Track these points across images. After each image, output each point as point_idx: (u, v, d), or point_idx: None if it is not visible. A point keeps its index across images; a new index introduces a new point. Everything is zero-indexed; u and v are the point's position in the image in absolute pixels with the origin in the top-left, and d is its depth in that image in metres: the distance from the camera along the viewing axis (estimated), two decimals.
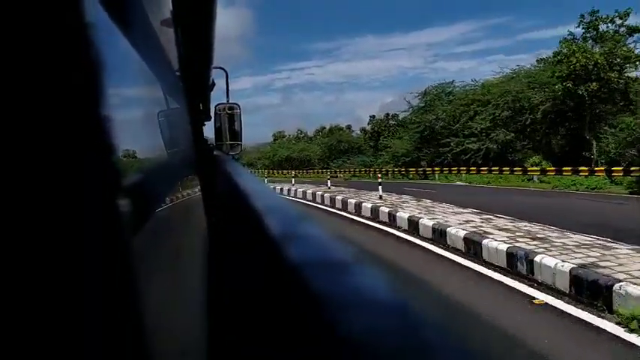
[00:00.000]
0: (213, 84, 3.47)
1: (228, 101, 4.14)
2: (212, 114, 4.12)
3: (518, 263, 6.24)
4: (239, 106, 4.17)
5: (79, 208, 0.29)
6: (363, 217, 12.98)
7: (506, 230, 8.16)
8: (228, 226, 0.95)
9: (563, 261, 5.58)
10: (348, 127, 70.81)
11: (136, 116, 0.68)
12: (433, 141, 41.74)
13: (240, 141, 4.20)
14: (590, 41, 30.67)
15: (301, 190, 22.47)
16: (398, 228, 10.59)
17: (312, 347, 0.23)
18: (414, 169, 39.39)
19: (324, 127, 73.64)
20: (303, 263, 0.26)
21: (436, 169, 36.96)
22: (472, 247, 7.49)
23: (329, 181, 22.76)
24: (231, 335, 0.76)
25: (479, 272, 6.52)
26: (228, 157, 3.08)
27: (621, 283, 4.60)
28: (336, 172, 46.35)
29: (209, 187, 2.44)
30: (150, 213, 0.59)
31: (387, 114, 60.06)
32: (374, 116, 63.77)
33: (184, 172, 1.45)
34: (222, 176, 1.43)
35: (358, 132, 65.77)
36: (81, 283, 0.28)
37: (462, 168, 33.84)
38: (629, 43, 29.49)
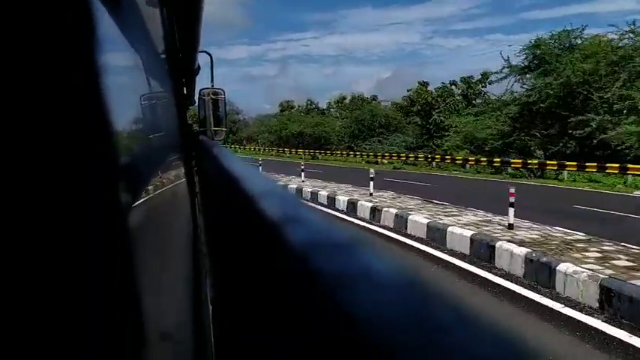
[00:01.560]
0: (199, 68, 3.43)
1: (212, 86, 4.10)
2: (196, 99, 4.08)
3: None
4: (224, 91, 4.13)
5: (64, 193, 0.27)
6: None
7: None
8: (218, 212, 0.94)
9: None
10: (374, 97, 57.85)
11: (117, 99, 0.66)
12: (547, 119, 26.86)
13: (225, 127, 4.17)
14: None
15: (325, 193, 13.97)
16: None
17: (317, 328, 0.23)
18: (518, 161, 24.34)
19: (344, 97, 61.14)
20: (301, 245, 0.25)
21: (550, 162, 22.72)
22: None
23: (370, 181, 13.43)
24: (232, 321, 0.76)
25: None
26: (213, 141, 3.05)
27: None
28: (376, 156, 36.77)
29: (193, 172, 2.42)
30: (133, 199, 0.58)
31: (452, 81, 43.09)
32: (426, 83, 47.75)
33: (168, 157, 1.42)
34: (208, 161, 1.42)
35: (386, 104, 52.29)
36: (65, 262, 0.27)
37: (608, 164, 20.12)
38: None
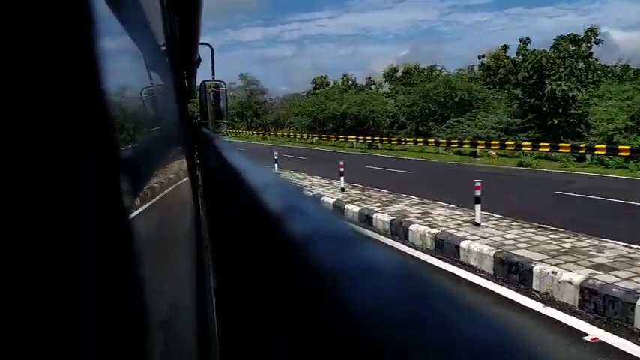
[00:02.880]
0: (200, 60, 3.42)
1: (213, 78, 4.09)
2: (197, 91, 4.07)
3: None
4: (225, 83, 4.13)
5: (65, 186, 0.28)
6: None
7: None
8: (220, 205, 0.94)
9: None
10: (432, 68, 44.90)
11: (118, 92, 0.66)
12: None
13: (226, 119, 4.17)
14: None
15: None
16: None
17: (318, 321, 0.23)
18: None
19: (395, 69, 48.72)
20: (303, 238, 0.25)
21: None
22: None
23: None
24: (235, 313, 0.76)
25: None
26: (214, 134, 3.05)
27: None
28: (462, 144, 27.13)
29: (195, 165, 2.42)
30: (135, 192, 0.58)
31: (560, 38, 28.88)
32: (506, 47, 37.93)
33: (169, 150, 1.43)
34: (210, 153, 1.42)
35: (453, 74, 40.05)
36: (67, 256, 0.27)
37: None
38: None
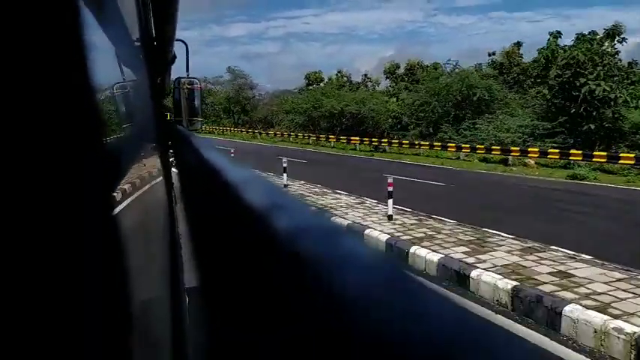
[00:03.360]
0: (174, 57, 3.38)
1: (188, 75, 4.06)
2: (171, 88, 4.03)
3: None
4: (199, 80, 4.10)
5: (36, 185, 0.27)
6: None
7: None
8: (195, 202, 0.93)
9: None
10: (435, 66, 39.97)
11: (90, 88, 0.65)
12: None
13: (200, 117, 4.15)
14: None
15: None
16: None
17: (301, 319, 0.23)
18: None
19: (397, 66, 44.75)
20: (283, 234, 0.25)
21: None
22: None
23: None
24: (209, 312, 0.75)
25: None
26: (189, 132, 3.02)
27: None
28: (490, 149, 23.77)
29: (169, 162, 2.39)
30: (107, 190, 0.57)
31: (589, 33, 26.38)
32: (519, 43, 36.28)
33: (142, 147, 1.40)
34: (184, 151, 1.40)
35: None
36: (38, 258, 0.27)
37: None
38: None
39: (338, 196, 12.86)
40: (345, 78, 51.69)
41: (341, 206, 11.18)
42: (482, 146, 24.73)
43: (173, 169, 2.33)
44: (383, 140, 31.72)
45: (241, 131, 51.04)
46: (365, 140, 32.18)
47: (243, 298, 0.37)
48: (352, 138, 33.15)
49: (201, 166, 0.76)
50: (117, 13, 1.04)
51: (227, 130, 53.39)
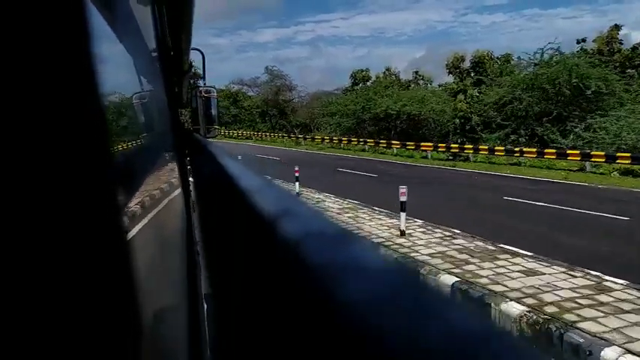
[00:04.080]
0: (191, 66, 3.42)
1: (204, 84, 4.11)
2: (189, 97, 4.08)
3: None
4: (215, 89, 4.14)
5: (54, 192, 0.28)
6: None
7: None
8: (212, 209, 0.94)
9: None
10: (507, 57, 34.95)
11: (110, 98, 0.66)
12: None
13: (217, 124, 4.19)
14: None
15: None
16: None
17: (311, 322, 0.23)
18: None
19: (462, 58, 37.45)
20: (295, 241, 0.25)
21: None
22: None
23: None
24: (226, 318, 0.76)
25: None
26: (206, 140, 3.05)
27: None
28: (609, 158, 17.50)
29: (186, 170, 2.42)
30: (126, 197, 0.58)
31: None
32: (618, 26, 31.18)
33: (160, 155, 1.42)
34: (201, 159, 1.41)
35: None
36: (56, 263, 0.28)
37: None
38: None
39: (541, 267, 7.19)
40: (393, 76, 45.07)
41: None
42: (628, 155, 17.60)
43: (190, 177, 2.35)
44: (467, 146, 25.09)
45: (281, 137, 44.95)
46: (441, 147, 26.28)
47: (258, 305, 0.37)
48: (423, 144, 27.31)
49: (214, 173, 0.77)
50: (134, 25, 1.06)
51: (265, 135, 47.91)
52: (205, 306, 1.75)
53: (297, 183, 13.85)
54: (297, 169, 14.00)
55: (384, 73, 45.66)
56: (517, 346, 0.15)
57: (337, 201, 12.90)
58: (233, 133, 51.50)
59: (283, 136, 44.58)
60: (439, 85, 41.29)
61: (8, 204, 0.26)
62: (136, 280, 0.45)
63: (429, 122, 34.19)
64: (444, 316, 0.17)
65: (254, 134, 49.18)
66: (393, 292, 0.19)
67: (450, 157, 24.91)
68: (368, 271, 0.21)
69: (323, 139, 37.42)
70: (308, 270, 0.23)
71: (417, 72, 44.57)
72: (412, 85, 42.59)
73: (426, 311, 0.17)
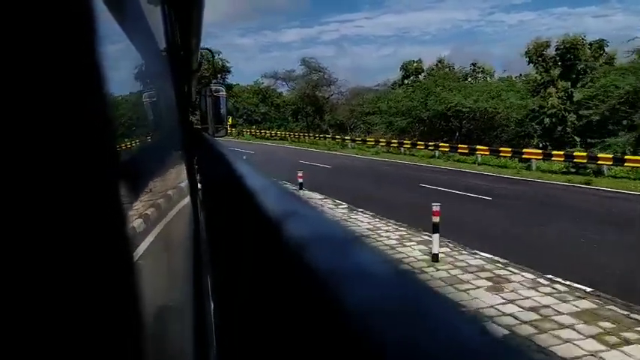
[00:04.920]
0: (200, 65, 3.43)
1: (214, 83, 4.12)
2: (198, 96, 4.10)
3: None
4: (224, 88, 4.15)
5: (65, 190, 0.28)
6: None
7: None
8: (219, 208, 0.94)
9: None
10: (600, 44, 28.85)
11: (120, 97, 0.67)
12: None
13: (226, 124, 4.20)
14: None
15: None
16: None
17: (314, 321, 0.23)
18: None
19: (547, 44, 29.15)
20: (299, 240, 0.26)
21: None
22: None
23: None
24: (232, 316, 0.76)
25: None
26: (214, 139, 3.06)
27: None
28: None
29: (194, 168, 2.42)
30: (135, 195, 0.58)
31: None
32: None
33: (169, 153, 1.43)
34: (209, 157, 1.42)
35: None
36: (66, 259, 0.28)
37: None
38: None
39: None
40: (447, 68, 37.80)
41: None
42: None
43: (198, 176, 2.36)
44: (602, 156, 18.14)
45: (322, 137, 36.97)
46: (557, 155, 19.21)
47: (264, 304, 0.37)
48: (527, 151, 20.77)
49: (221, 173, 0.77)
50: (144, 25, 1.07)
51: (302, 136, 39.61)
52: (212, 305, 1.76)
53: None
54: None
55: (437, 64, 38.55)
56: (518, 352, 0.15)
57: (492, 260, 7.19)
58: (265, 133, 43.84)
59: (324, 137, 36.41)
60: (518, 76, 33.61)
61: (20, 196, 0.26)
62: (143, 279, 0.45)
63: (504, 122, 27.45)
64: (445, 321, 0.17)
65: (289, 134, 41.31)
66: (395, 295, 0.19)
67: (570, 169, 18.02)
68: (372, 274, 0.21)
69: (378, 142, 29.45)
70: (313, 271, 0.23)
71: (474, 64, 37.18)
72: (469, 79, 35.72)
73: (427, 315, 0.17)
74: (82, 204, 0.29)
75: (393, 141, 28.70)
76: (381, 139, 29.87)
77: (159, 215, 0.90)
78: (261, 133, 44.23)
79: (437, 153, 24.11)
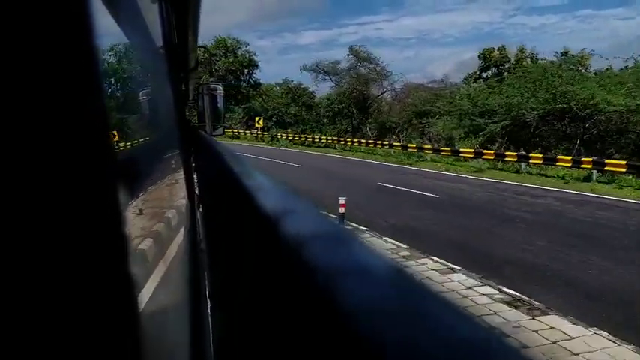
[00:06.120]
0: (197, 63, 3.43)
1: (211, 81, 4.11)
2: (194, 93, 4.09)
3: None
4: (222, 86, 4.14)
5: (60, 190, 0.28)
6: None
7: None
8: (216, 207, 0.94)
9: None
10: None
11: (116, 95, 0.67)
12: None
13: (223, 122, 4.18)
14: None
15: None
16: None
17: (312, 320, 0.23)
18: None
19: None
20: (297, 240, 0.25)
21: None
22: None
23: None
24: (230, 315, 0.76)
25: None
26: (211, 137, 3.05)
27: None
28: None
29: (192, 167, 2.42)
30: (132, 194, 0.58)
31: None
32: None
33: (166, 152, 1.43)
34: (206, 156, 1.42)
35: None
36: (62, 260, 0.28)
37: None
38: None
39: None
40: (530, 59, 31.39)
41: None
42: None
43: (195, 175, 2.36)
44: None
45: (387, 146, 27.51)
46: None
47: (261, 304, 0.37)
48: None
49: (218, 171, 0.77)
50: (141, 22, 1.06)
51: (355, 143, 30.34)
52: (209, 304, 1.75)
53: None
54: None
55: (517, 52, 32.48)
56: (516, 353, 0.15)
57: None
58: (302, 138, 34.16)
59: (389, 145, 27.02)
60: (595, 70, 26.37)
61: (17, 197, 0.26)
62: (140, 279, 0.45)
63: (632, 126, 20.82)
64: (445, 321, 0.17)
65: (336, 141, 31.74)
66: (394, 295, 0.19)
67: None
68: (371, 274, 0.21)
69: (479, 154, 20.35)
70: (311, 271, 0.22)
71: (565, 53, 28.71)
72: (561, 68, 25.44)
73: (425, 314, 0.17)
74: (77, 202, 0.29)
75: (509, 153, 19.59)
76: (485, 152, 20.58)
77: (155, 214, 0.90)
78: (299, 138, 34.64)
79: (594, 175, 14.73)
